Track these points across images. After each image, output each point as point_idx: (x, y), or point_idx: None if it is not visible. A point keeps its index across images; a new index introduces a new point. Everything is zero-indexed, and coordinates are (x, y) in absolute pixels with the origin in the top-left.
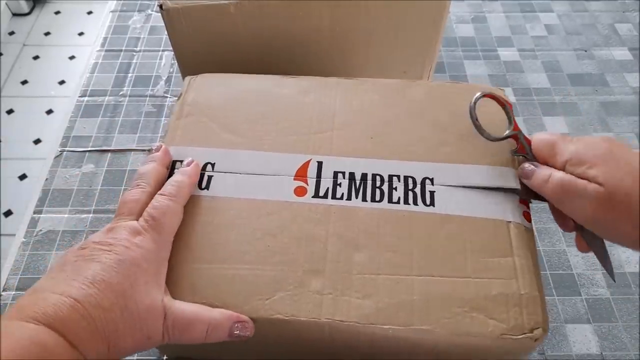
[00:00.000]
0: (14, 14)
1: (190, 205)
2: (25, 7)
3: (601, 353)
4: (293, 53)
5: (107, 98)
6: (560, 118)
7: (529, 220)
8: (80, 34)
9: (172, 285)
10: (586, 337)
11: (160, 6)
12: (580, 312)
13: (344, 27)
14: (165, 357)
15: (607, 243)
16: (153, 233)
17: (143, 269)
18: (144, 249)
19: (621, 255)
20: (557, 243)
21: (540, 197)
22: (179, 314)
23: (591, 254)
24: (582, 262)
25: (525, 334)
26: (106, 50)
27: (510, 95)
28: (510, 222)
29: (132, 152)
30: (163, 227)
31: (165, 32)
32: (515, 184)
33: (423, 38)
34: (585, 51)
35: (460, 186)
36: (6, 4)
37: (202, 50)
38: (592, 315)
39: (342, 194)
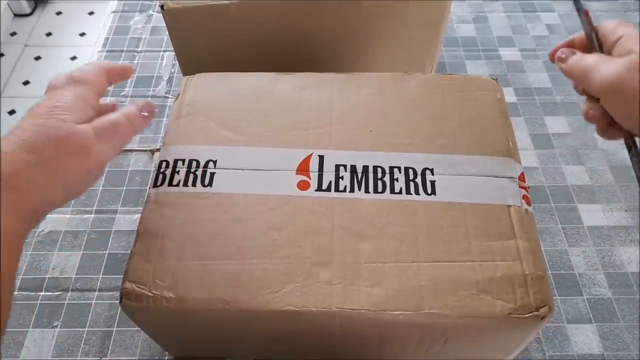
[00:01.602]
0: (16, 15)
1: (195, 203)
2: (26, 8)
3: (603, 353)
4: (294, 53)
5: (108, 98)
6: (561, 118)
7: (529, 204)
8: (82, 34)
9: (182, 282)
10: (588, 337)
11: (162, 6)
12: (582, 312)
13: (345, 27)
14: (166, 358)
15: (609, 249)
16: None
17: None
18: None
19: (623, 255)
20: (558, 243)
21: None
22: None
23: (592, 254)
24: (584, 262)
25: (532, 312)
26: (107, 51)
27: (511, 95)
28: (510, 206)
29: (134, 153)
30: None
31: (167, 33)
32: (513, 174)
33: (424, 38)
34: None
35: (460, 175)
36: (7, 4)
37: (203, 50)
38: (593, 315)
39: (345, 186)
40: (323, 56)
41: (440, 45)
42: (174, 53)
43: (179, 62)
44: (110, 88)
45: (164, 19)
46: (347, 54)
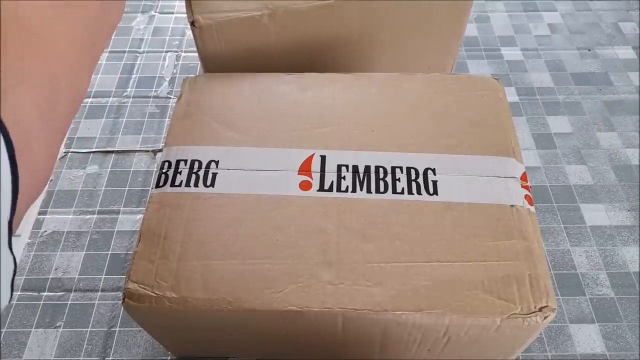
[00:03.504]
0: None
1: (197, 203)
2: None
3: (605, 353)
4: (322, 56)
5: (110, 99)
6: (564, 117)
7: (531, 203)
8: None
9: (185, 282)
10: (590, 337)
11: (192, 23)
12: (585, 312)
13: (372, 28)
14: (169, 358)
15: (611, 249)
16: None
17: None
18: None
19: (625, 255)
20: (561, 243)
21: None
22: None
23: (595, 254)
24: (587, 262)
25: (534, 312)
26: (110, 52)
27: (513, 95)
28: (513, 206)
29: (136, 153)
30: None
31: (169, 33)
32: (515, 174)
33: (446, 35)
34: (589, 50)
35: (462, 175)
36: None
37: (231, 62)
38: (596, 315)
39: (347, 186)
40: (350, 57)
41: (460, 42)
42: (176, 54)
43: (204, 71)
44: (112, 89)
45: (194, 36)
46: (373, 53)
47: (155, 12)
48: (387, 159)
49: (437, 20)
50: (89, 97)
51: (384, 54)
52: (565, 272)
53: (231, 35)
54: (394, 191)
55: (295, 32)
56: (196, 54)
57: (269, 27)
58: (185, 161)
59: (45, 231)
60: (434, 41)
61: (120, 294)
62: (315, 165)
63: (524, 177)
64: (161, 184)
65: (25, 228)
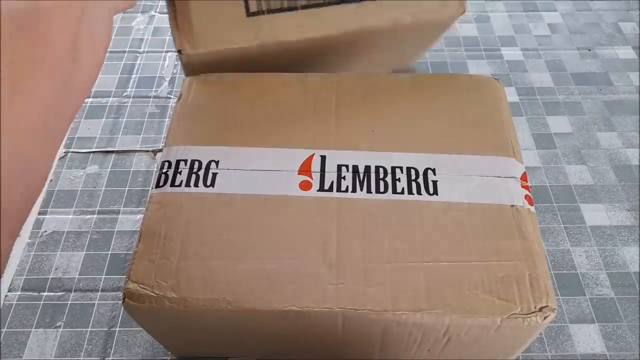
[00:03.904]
0: None
1: (197, 203)
2: None
3: (606, 353)
4: (307, 66)
5: (110, 99)
6: (564, 117)
7: (531, 203)
8: None
9: (185, 282)
10: (590, 337)
11: (179, 51)
12: (585, 312)
13: (362, 47)
14: (169, 358)
15: (611, 249)
16: None
17: None
18: None
19: (625, 255)
20: (561, 242)
21: None
22: None
23: (595, 254)
24: (587, 262)
25: (534, 312)
26: (110, 52)
27: (513, 95)
28: (513, 206)
29: (136, 153)
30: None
31: (169, 34)
32: (515, 174)
33: (426, 39)
34: (589, 50)
35: (462, 175)
36: None
37: None
38: (596, 315)
39: (347, 186)
40: (334, 66)
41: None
42: (176, 54)
43: None
44: (112, 89)
45: (181, 63)
46: (359, 60)
47: (155, 12)
48: (387, 159)
49: (422, 27)
50: (89, 97)
51: (365, 60)
52: (565, 272)
53: (220, 65)
54: (394, 191)
55: (281, 54)
56: None
57: (257, 57)
58: (185, 161)
59: (45, 231)
60: (412, 44)
61: (120, 294)
62: (315, 165)
63: (524, 177)
64: (161, 184)
65: (25, 228)
